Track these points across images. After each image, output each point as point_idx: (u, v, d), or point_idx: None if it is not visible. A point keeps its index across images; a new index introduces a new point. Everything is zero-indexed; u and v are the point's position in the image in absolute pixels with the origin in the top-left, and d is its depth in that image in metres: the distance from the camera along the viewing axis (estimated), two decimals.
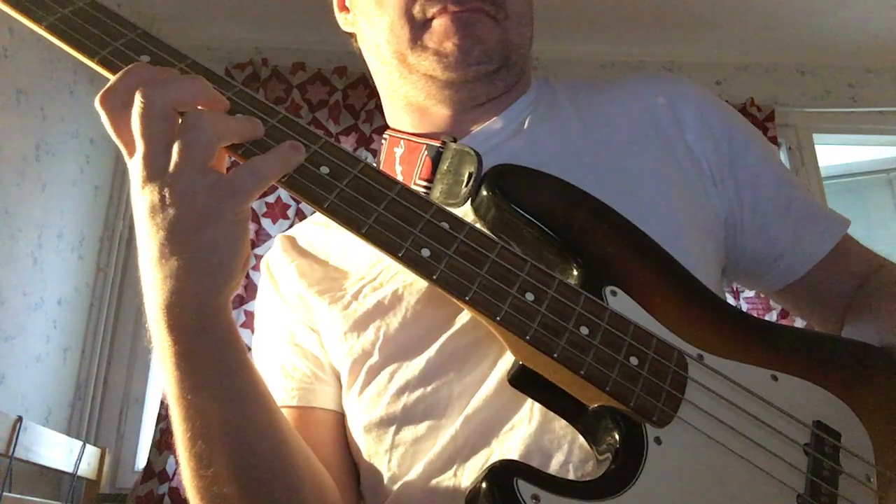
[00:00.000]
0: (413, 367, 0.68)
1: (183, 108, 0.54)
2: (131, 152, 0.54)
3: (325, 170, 0.56)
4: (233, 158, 0.57)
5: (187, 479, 0.61)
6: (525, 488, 0.50)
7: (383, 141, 0.80)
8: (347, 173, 0.56)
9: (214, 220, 0.52)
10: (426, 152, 0.71)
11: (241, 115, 0.56)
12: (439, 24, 0.72)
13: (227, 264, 0.54)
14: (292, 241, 0.84)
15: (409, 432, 0.68)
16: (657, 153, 0.76)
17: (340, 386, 0.76)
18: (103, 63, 0.58)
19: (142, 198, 0.53)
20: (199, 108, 0.54)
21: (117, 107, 0.54)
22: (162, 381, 0.59)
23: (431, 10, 0.72)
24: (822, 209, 0.83)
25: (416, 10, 0.73)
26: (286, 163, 0.55)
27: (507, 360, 0.63)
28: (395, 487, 0.68)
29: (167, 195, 0.52)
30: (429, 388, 0.67)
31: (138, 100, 0.52)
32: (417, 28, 0.73)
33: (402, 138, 0.76)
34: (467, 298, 0.55)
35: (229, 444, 0.59)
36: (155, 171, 0.52)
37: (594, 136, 0.77)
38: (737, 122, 0.83)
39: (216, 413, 0.58)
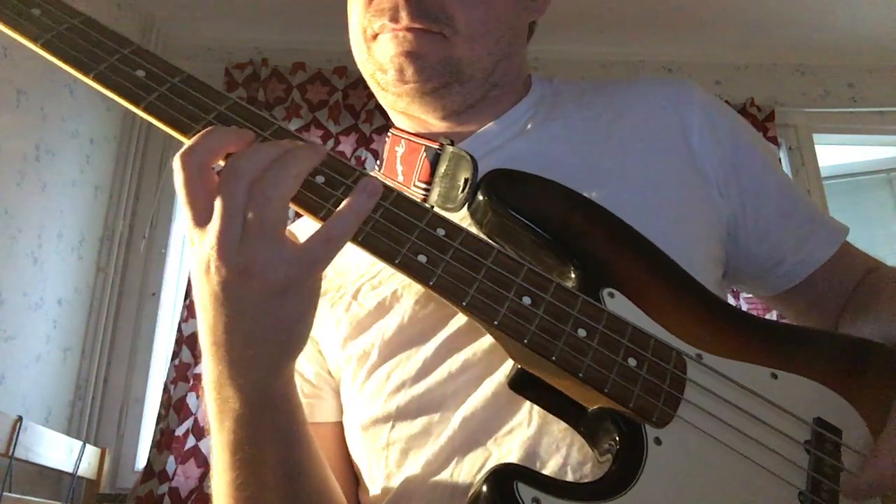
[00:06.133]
0: (409, 367, 0.69)
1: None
2: (199, 221, 0.51)
3: (320, 179, 0.55)
4: None
5: None
6: (525, 492, 0.50)
7: (386, 139, 0.80)
8: (342, 183, 0.56)
9: (296, 292, 0.53)
10: (425, 154, 0.71)
11: (300, 148, 0.54)
12: (382, 40, 0.74)
13: (303, 331, 0.56)
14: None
15: (404, 430, 0.68)
16: (662, 155, 0.76)
17: (338, 394, 0.78)
18: (98, 79, 0.57)
19: (214, 271, 0.51)
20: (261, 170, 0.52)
21: (196, 168, 0.52)
22: (216, 431, 0.60)
23: (375, 27, 0.74)
24: (823, 216, 0.84)
25: (367, 26, 0.75)
26: (359, 214, 0.53)
27: (503, 361, 0.63)
28: (392, 485, 0.69)
29: (246, 270, 0.50)
30: (423, 387, 0.68)
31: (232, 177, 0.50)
32: (370, 43, 0.76)
33: (403, 138, 0.76)
34: (464, 303, 0.55)
35: (280, 492, 0.62)
36: (231, 244, 0.50)
37: (598, 136, 0.77)
38: (742, 128, 0.83)
39: (272, 468, 0.61)
